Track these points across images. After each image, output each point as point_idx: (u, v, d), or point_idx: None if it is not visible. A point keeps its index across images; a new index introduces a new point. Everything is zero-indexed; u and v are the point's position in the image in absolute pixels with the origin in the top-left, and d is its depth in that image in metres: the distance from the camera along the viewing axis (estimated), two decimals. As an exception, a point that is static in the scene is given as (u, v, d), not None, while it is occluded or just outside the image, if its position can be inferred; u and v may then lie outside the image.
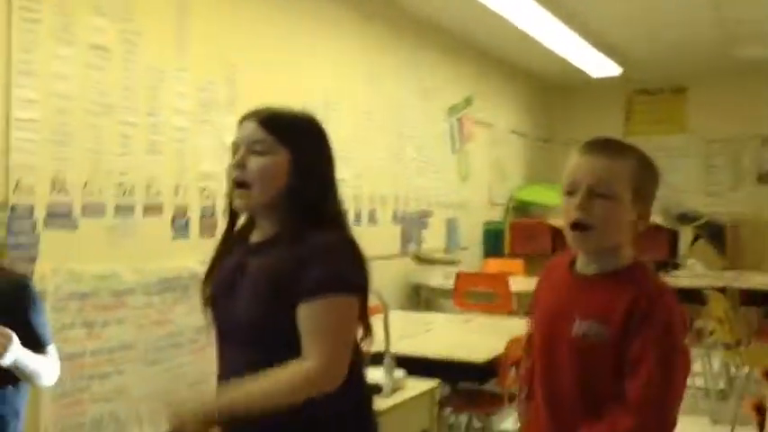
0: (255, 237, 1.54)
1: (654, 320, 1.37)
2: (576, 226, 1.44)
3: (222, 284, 1.51)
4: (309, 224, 1.46)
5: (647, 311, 1.37)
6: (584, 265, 1.51)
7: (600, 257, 1.48)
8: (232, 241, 1.57)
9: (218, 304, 1.50)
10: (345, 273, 1.43)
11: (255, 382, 1.37)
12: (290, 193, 1.48)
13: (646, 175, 1.48)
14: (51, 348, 1.89)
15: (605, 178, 1.42)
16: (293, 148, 1.48)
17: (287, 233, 1.45)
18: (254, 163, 1.46)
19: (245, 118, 1.52)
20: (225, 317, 1.49)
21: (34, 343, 1.83)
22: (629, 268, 1.47)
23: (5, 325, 1.76)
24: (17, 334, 1.79)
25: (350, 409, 1.52)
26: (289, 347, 1.41)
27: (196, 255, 3.80)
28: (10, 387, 1.80)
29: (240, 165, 1.47)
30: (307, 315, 1.39)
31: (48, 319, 1.92)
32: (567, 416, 1.44)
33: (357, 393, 1.55)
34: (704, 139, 8.47)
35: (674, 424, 1.38)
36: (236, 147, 1.50)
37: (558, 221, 7.15)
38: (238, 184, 1.47)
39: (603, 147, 1.47)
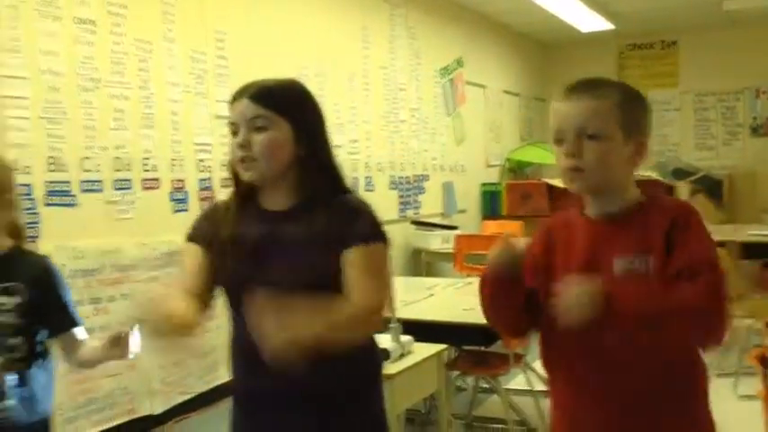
0: (273, 204, 1.53)
1: (697, 232, 1.36)
2: (569, 171, 1.41)
3: (252, 252, 1.49)
4: (330, 188, 1.52)
5: (685, 224, 1.36)
6: (598, 210, 1.46)
7: (608, 199, 1.44)
8: (241, 212, 1.55)
9: (247, 272, 1.48)
10: (382, 228, 1.51)
11: (324, 315, 1.34)
12: (301, 163, 1.49)
13: (634, 107, 1.42)
14: (81, 330, 1.89)
15: (591, 119, 1.37)
16: (293, 119, 1.49)
17: (318, 198, 1.49)
18: (259, 139, 1.46)
19: (237, 96, 1.51)
20: (264, 282, 1.45)
21: (70, 324, 1.84)
22: (649, 199, 1.44)
23: (41, 308, 1.79)
24: (52, 317, 1.82)
25: (373, 373, 1.56)
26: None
27: (196, 228, 3.78)
28: (34, 366, 1.80)
29: (244, 144, 1.46)
30: (356, 258, 1.44)
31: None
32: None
33: (377, 357, 1.59)
34: (697, 92, 8.44)
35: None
36: (234, 127, 1.49)
37: (554, 181, 7.08)
38: (244, 160, 1.47)
39: (584, 87, 1.42)
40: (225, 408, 3.76)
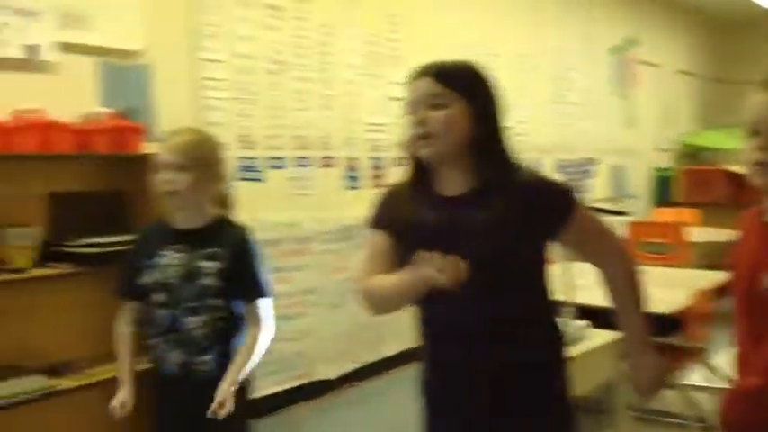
0: (449, 190, 1.54)
1: None
2: (758, 165, 1.31)
3: (433, 238, 1.49)
4: (504, 170, 1.52)
5: None
6: None
7: None
8: (418, 196, 1.57)
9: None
10: (568, 186, 1.59)
11: (630, 289, 1.60)
12: (476, 143, 1.50)
13: None
14: (266, 302, 1.98)
15: None
16: (470, 98, 1.50)
17: (494, 181, 1.50)
18: (436, 116, 1.48)
19: (416, 75, 1.53)
20: None
21: (255, 294, 1.96)
22: None
23: (237, 275, 1.91)
24: (244, 284, 1.94)
25: (558, 351, 1.60)
26: (534, 278, 1.56)
27: (367, 205, 3.89)
28: (232, 327, 1.95)
29: (422, 121, 1.49)
30: (583, 225, 1.55)
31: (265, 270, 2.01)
32: None
33: (561, 335, 1.60)
34: None
35: None
36: (412, 106, 1.51)
37: (735, 168, 6.57)
38: (422, 137, 1.49)
39: None
40: (392, 377, 3.92)
